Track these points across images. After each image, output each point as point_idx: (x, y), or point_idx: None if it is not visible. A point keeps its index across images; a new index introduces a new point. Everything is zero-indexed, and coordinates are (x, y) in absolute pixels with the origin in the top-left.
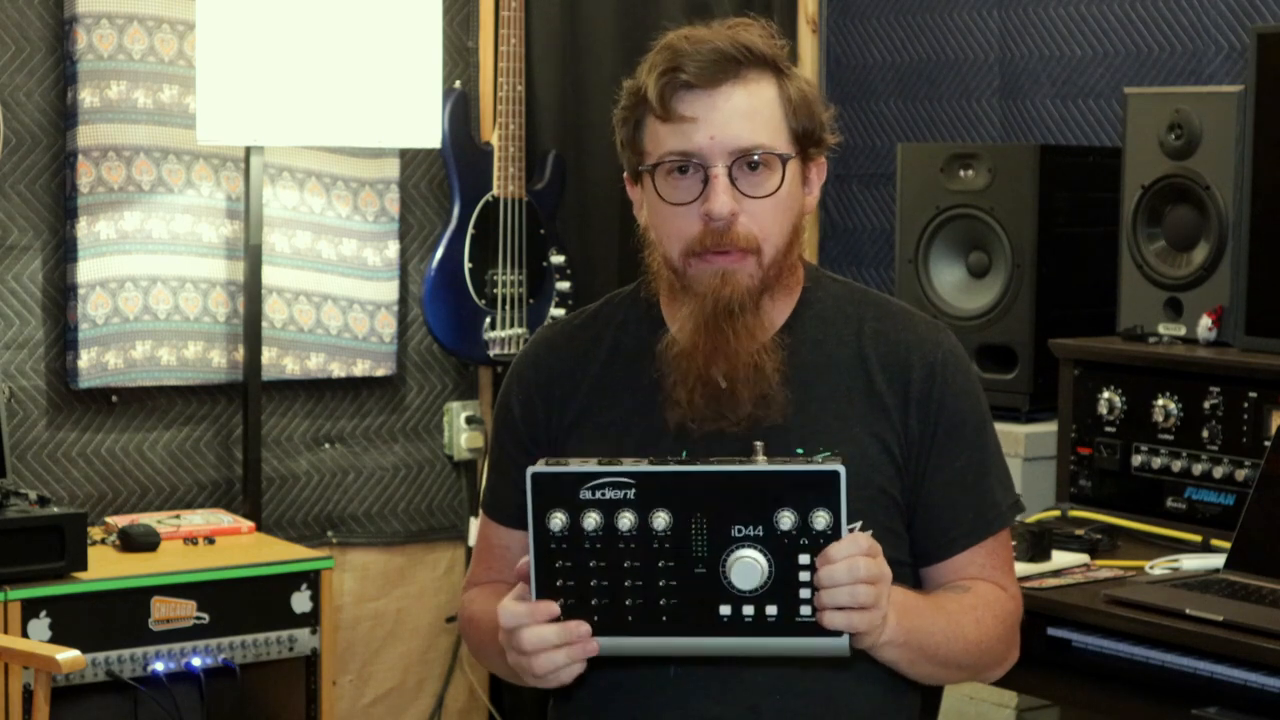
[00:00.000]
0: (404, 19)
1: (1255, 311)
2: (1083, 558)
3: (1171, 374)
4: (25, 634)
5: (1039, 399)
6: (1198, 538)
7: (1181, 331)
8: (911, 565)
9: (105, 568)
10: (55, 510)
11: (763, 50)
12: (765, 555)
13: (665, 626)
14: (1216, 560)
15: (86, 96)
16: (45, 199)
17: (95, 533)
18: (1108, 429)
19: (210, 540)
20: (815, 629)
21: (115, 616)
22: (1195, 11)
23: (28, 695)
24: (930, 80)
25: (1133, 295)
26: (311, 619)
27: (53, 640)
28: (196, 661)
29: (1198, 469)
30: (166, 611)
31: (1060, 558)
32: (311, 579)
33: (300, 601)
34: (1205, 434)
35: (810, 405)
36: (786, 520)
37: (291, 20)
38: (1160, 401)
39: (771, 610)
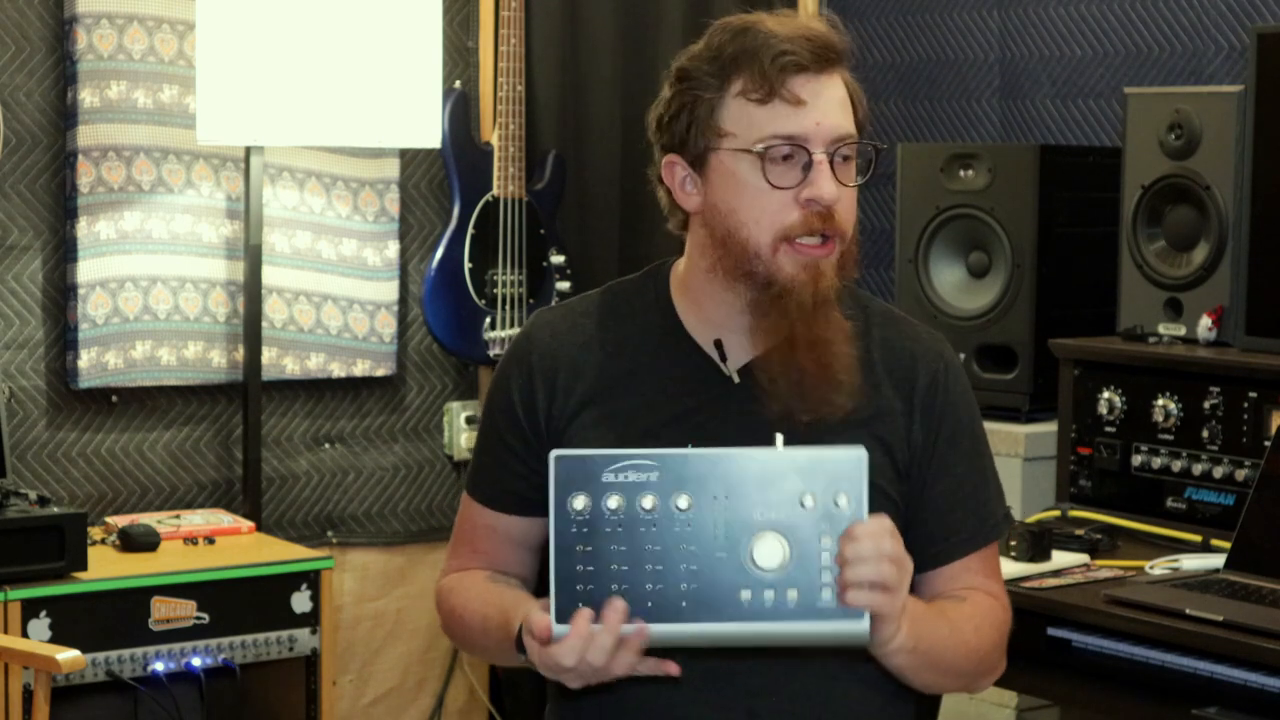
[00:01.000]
0: (404, 19)
1: (1255, 311)
2: (1083, 558)
3: (1171, 374)
4: (25, 634)
5: (1039, 399)
6: (1198, 538)
7: (1181, 331)
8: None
9: (105, 568)
10: (55, 510)
11: (845, 47)
12: (786, 538)
13: (685, 613)
14: (1216, 560)
15: (86, 96)
16: (45, 199)
17: (95, 533)
18: (1108, 429)
19: (210, 540)
20: (836, 613)
21: (115, 616)
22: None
23: (28, 695)
24: (930, 80)
25: (1133, 295)
26: (311, 619)
27: (53, 640)
28: (196, 661)
29: (1198, 469)
30: (166, 611)
31: (1060, 558)
32: (311, 579)
33: (300, 601)
34: (1205, 434)
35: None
36: (808, 503)
37: (291, 20)
38: (1160, 401)
39: (792, 594)
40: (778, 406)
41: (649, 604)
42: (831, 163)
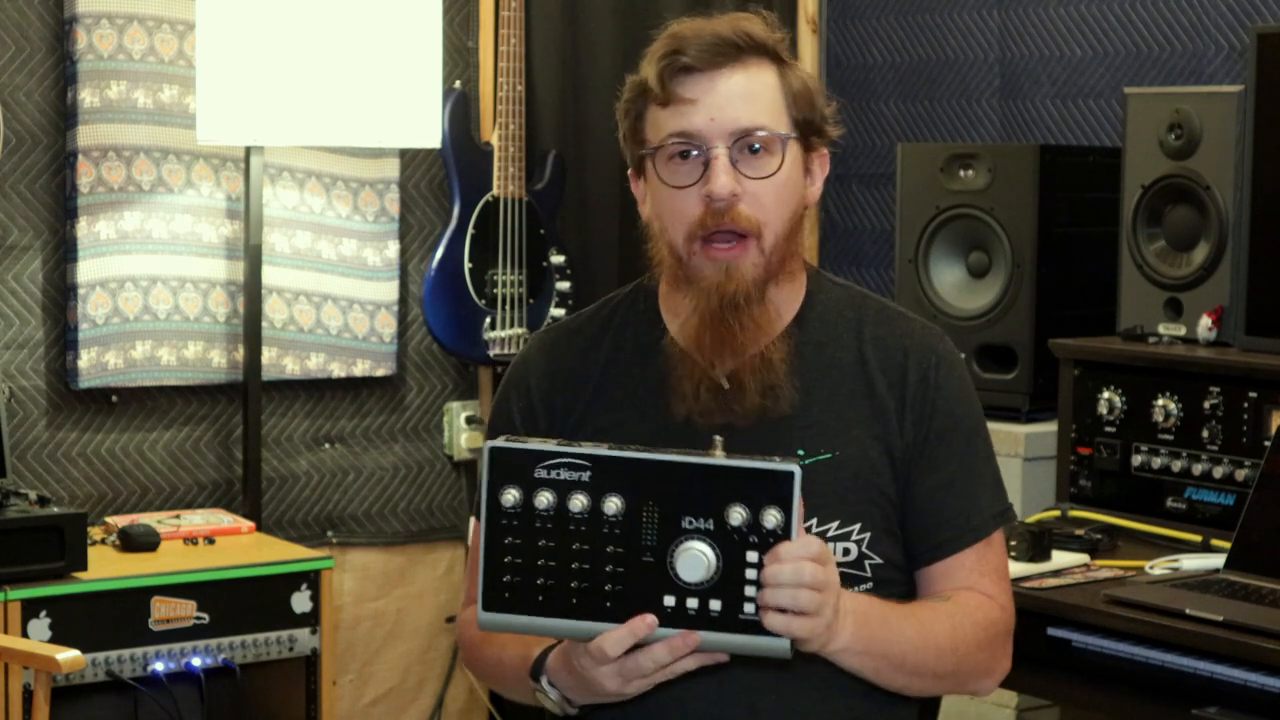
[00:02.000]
0: (404, 19)
1: (1255, 311)
2: (1083, 558)
3: (1171, 374)
4: (25, 634)
5: (1039, 399)
6: (1198, 538)
7: (1181, 331)
8: (908, 569)
9: (105, 568)
10: (55, 510)
11: (763, 38)
12: (713, 549)
13: (608, 612)
14: (1216, 560)
15: (86, 96)
16: (45, 199)
17: (95, 533)
18: (1108, 429)
19: (210, 540)
20: (757, 628)
21: (115, 616)
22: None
23: (28, 695)
24: (930, 80)
25: (1133, 295)
26: (311, 619)
27: (53, 640)
28: (196, 661)
29: (1198, 469)
30: (166, 611)
31: (1060, 558)
32: (311, 579)
33: (300, 601)
34: (1205, 434)
35: (813, 408)
36: (737, 516)
37: (291, 20)
38: (1160, 401)
39: (715, 605)
40: (688, 409)
41: (574, 600)
42: (732, 157)
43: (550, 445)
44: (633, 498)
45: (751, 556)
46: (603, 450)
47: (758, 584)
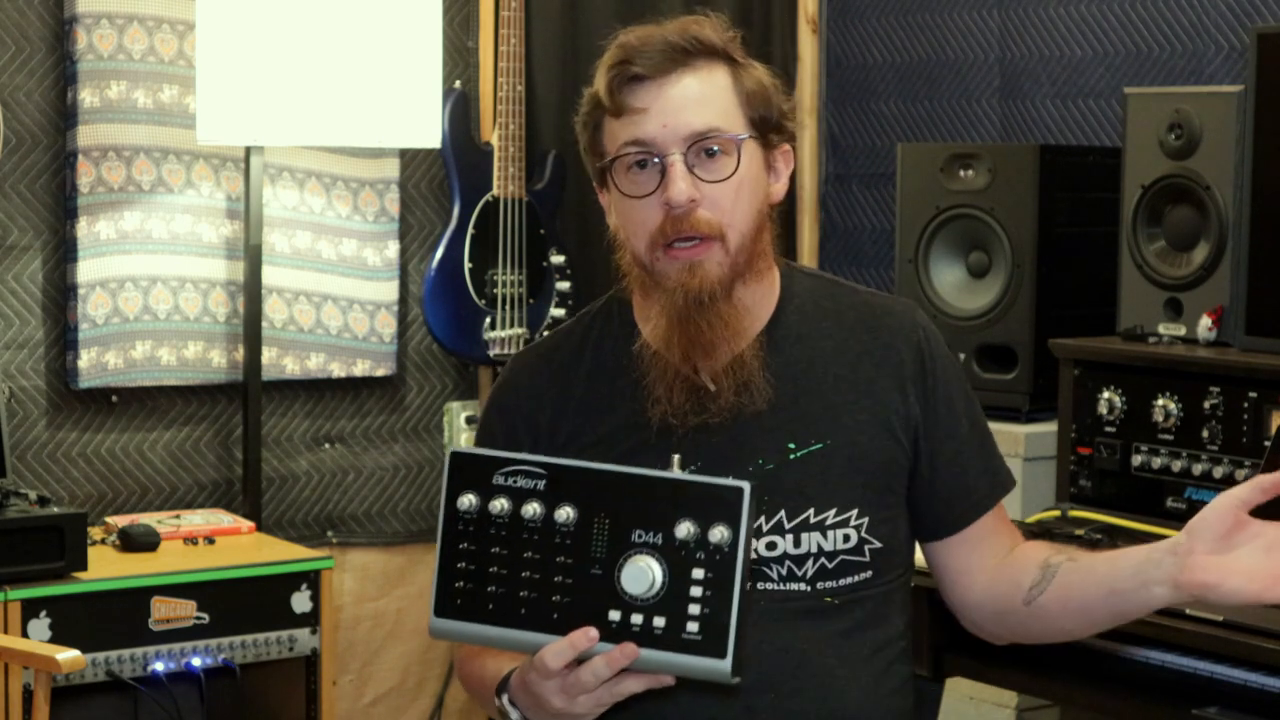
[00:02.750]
0: (404, 19)
1: (1255, 311)
2: None
3: (1171, 374)
4: (25, 634)
5: (1039, 399)
6: None
7: (1181, 331)
8: (907, 549)
9: (105, 568)
10: (55, 510)
11: (713, 41)
12: (661, 564)
13: (554, 625)
14: None
15: (86, 96)
16: (45, 199)
17: (95, 533)
18: (1108, 429)
19: (210, 540)
20: (699, 648)
21: (115, 616)
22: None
23: (28, 695)
24: (930, 80)
25: (1133, 295)
26: (311, 619)
27: (53, 640)
28: (196, 661)
29: (1198, 469)
30: (166, 611)
31: None
32: (311, 579)
33: (300, 601)
34: (1205, 434)
35: (800, 399)
36: (685, 530)
37: (291, 20)
38: (1160, 401)
39: (659, 622)
40: (664, 413)
41: (522, 610)
42: (689, 162)
43: (509, 453)
44: (585, 508)
45: (697, 574)
46: (560, 460)
47: (700, 602)
